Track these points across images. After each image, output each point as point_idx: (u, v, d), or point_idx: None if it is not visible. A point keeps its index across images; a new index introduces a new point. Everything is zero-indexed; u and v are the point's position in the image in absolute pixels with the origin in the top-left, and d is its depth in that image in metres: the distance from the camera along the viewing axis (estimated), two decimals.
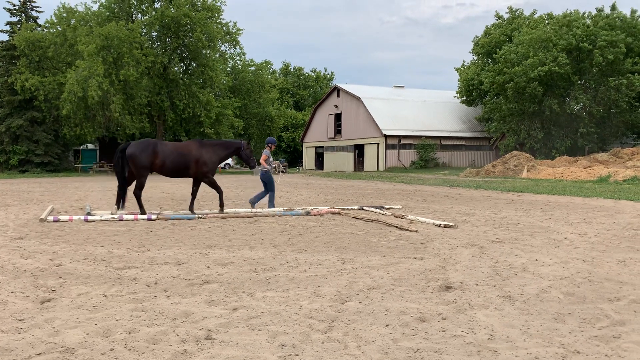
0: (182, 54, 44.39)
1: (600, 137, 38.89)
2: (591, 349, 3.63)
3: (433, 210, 12.77)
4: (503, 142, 43.49)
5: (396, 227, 9.49)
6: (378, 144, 47.58)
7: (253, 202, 12.69)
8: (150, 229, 9.41)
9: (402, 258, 6.73)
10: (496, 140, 46.75)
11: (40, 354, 3.55)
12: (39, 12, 45.78)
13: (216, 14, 44.59)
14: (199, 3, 43.39)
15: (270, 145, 13.23)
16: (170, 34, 42.82)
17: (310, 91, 78.84)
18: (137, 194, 11.43)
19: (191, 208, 11.73)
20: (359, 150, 51.41)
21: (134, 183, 11.61)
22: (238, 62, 50.89)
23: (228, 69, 49.92)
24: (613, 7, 39.27)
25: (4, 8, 44.70)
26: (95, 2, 43.21)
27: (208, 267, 6.24)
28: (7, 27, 44.55)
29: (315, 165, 58.45)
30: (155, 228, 9.57)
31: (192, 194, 11.90)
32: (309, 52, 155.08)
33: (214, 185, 11.79)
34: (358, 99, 49.72)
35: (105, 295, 5.00)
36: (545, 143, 39.66)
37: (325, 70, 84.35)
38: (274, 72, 74.04)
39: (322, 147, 57.73)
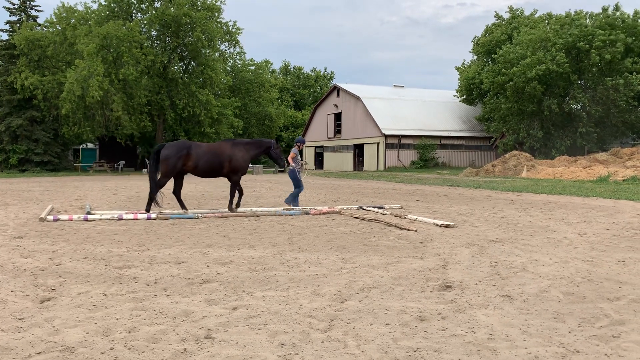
0: (182, 53, 44.36)
1: (599, 137, 38.89)
2: (591, 349, 3.63)
3: (433, 209, 12.78)
4: (502, 142, 43.52)
5: (396, 226, 9.49)
6: (378, 143, 47.59)
7: (290, 202, 12.96)
8: (150, 228, 9.41)
9: (401, 257, 6.73)
10: (496, 139, 46.77)
11: (40, 353, 3.55)
12: (38, 11, 45.84)
13: (216, 14, 44.55)
14: (199, 2, 43.33)
15: (299, 144, 13.55)
16: (170, 33, 42.79)
17: (310, 91, 78.80)
18: (154, 191, 11.50)
19: (230, 206, 11.89)
20: (358, 150, 51.41)
21: (157, 181, 11.61)
22: (238, 61, 50.89)
23: (228, 68, 49.89)
24: (617, 8, 39.27)
25: (4, 7, 44.75)
26: (95, 2, 43.20)
27: (208, 266, 6.24)
28: (7, 27, 44.59)
29: (315, 165, 58.47)
30: (154, 227, 9.57)
31: (233, 193, 11.94)
32: (308, 51, 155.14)
33: (237, 185, 11.91)
34: (358, 98, 49.72)
35: (105, 295, 5.00)
36: (545, 143, 39.68)
37: (325, 69, 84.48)
38: (273, 71, 74.01)
39: (321, 146, 57.74)
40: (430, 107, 52.05)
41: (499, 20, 50.01)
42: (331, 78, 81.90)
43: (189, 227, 9.59)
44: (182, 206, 11.78)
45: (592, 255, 6.85)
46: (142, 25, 42.75)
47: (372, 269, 6.09)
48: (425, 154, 47.11)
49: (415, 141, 47.57)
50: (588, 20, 39.14)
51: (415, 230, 8.99)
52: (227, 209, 11.93)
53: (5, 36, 44.81)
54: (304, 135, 60.76)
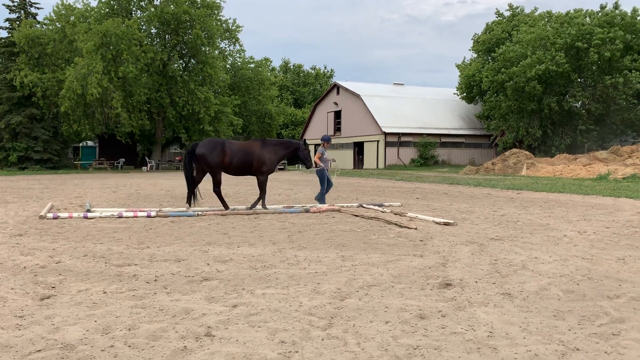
0: (182, 50, 44.30)
1: (599, 135, 38.90)
2: (590, 346, 3.63)
3: (432, 207, 12.78)
4: (502, 139, 43.51)
5: (396, 224, 9.49)
6: (378, 141, 47.56)
7: (320, 200, 13.05)
8: (150, 226, 9.41)
9: (401, 255, 6.73)
10: (496, 137, 46.77)
11: (40, 350, 3.55)
12: (38, 8, 45.77)
13: (216, 11, 44.51)
14: (199, 0, 43.31)
15: (324, 142, 13.66)
16: (169, 31, 42.73)
17: (309, 88, 78.75)
18: (217, 191, 11.78)
19: (263, 204, 11.93)
20: (358, 148, 51.38)
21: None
22: (237, 59, 50.82)
23: (227, 66, 49.85)
24: (616, 6, 39.23)
25: (3, 5, 44.67)
26: None
27: (208, 264, 6.24)
28: (7, 24, 44.57)
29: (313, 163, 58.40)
30: (154, 225, 9.57)
31: (263, 191, 11.99)
32: (308, 49, 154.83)
33: (262, 185, 11.96)
34: (358, 96, 49.68)
35: (105, 292, 5.00)
36: (545, 141, 39.68)
37: (325, 67, 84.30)
38: (273, 69, 73.94)
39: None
40: (430, 105, 52.01)
41: (499, 18, 49.95)
42: (331, 76, 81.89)
43: (188, 225, 9.59)
44: (189, 201, 11.75)
45: (592, 253, 6.85)
46: (142, 23, 42.69)
47: (372, 266, 6.09)
48: (425, 152, 47.08)
49: (415, 139, 47.54)
50: (587, 19, 39.11)
51: (415, 228, 8.99)
52: (260, 207, 11.93)
53: (4, 34, 44.80)
54: (304, 133, 60.75)
